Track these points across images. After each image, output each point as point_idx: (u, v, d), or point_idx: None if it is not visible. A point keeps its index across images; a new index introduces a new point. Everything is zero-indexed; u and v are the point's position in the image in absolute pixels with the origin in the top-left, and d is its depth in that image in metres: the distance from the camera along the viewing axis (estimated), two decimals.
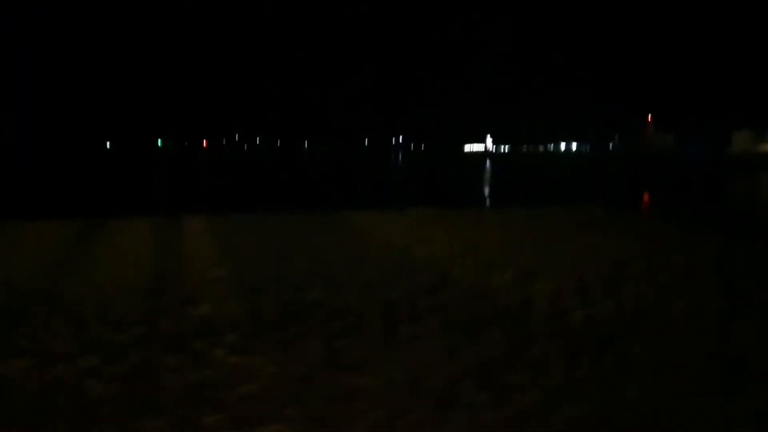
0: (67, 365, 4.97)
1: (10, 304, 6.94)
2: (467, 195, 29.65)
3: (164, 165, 64.96)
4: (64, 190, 29.86)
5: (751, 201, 27.64)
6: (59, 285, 8.00)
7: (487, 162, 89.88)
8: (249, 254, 10.40)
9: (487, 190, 34.79)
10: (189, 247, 11.36)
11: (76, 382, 4.60)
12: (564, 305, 7.16)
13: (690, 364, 5.19)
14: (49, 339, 5.69)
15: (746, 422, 4.12)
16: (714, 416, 4.20)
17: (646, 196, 27.82)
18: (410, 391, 4.46)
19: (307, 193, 29.23)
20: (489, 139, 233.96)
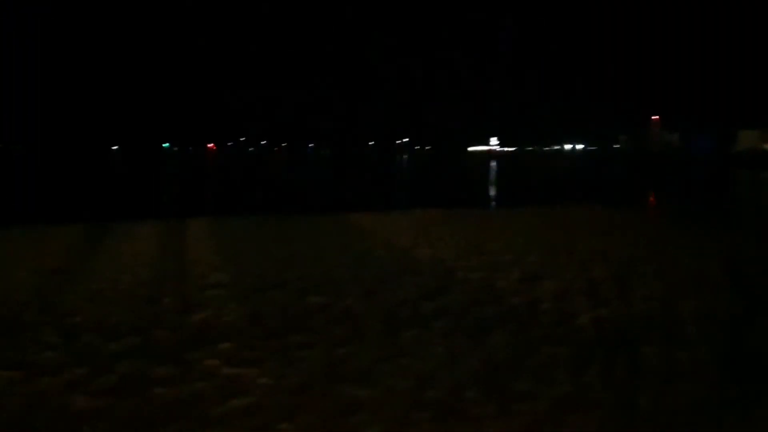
0: (53, 378, 4.75)
1: (3, 314, 6.74)
2: (472, 195, 29.37)
3: (169, 168, 64.81)
4: (66, 194, 29.71)
5: (758, 198, 27.31)
6: (54, 293, 7.79)
7: (492, 162, 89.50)
8: (251, 257, 10.19)
9: (492, 190, 34.52)
10: (191, 251, 11.16)
11: (61, 396, 4.39)
12: (571, 307, 6.92)
13: (704, 369, 4.96)
14: (38, 350, 5.48)
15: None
16: (731, 425, 3.96)
17: (651, 195, 27.53)
18: (412, 403, 4.23)
19: (311, 195, 29.01)
20: (494, 140, 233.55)
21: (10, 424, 3.97)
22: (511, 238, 12.33)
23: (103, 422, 3.96)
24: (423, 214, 17.14)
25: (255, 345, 5.55)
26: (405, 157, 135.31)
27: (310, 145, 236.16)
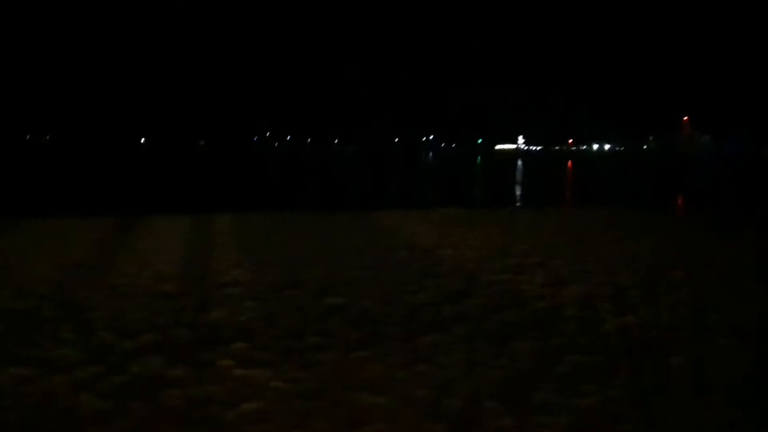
0: (63, 376, 4.68)
1: (20, 309, 6.71)
2: (497, 194, 29.11)
3: (198, 163, 65.20)
4: (91, 187, 29.96)
5: None
6: (74, 287, 7.77)
7: (519, 161, 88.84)
8: (271, 255, 10.11)
9: (518, 190, 34.19)
10: (210, 247, 11.10)
11: (69, 396, 4.31)
12: (597, 314, 6.73)
13: (736, 383, 4.75)
14: (52, 346, 5.42)
15: None
16: None
17: (680, 198, 27.06)
18: (429, 413, 4.08)
19: (335, 192, 28.93)
20: (521, 139, 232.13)
21: (14, 426, 3.89)
22: (536, 239, 12.12)
23: (109, 425, 3.86)
24: (446, 214, 16.96)
25: (270, 346, 5.44)
26: (430, 154, 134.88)
27: (335, 141, 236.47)
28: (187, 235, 12.70)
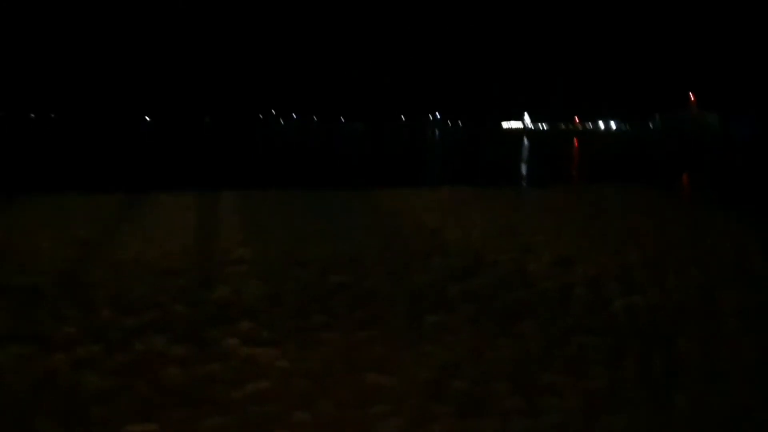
0: (65, 354, 4.63)
1: (23, 285, 6.66)
2: (504, 173, 28.94)
3: (204, 140, 64.97)
4: (95, 164, 29.88)
5: None
6: (77, 264, 7.72)
7: (525, 139, 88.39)
8: (276, 233, 10.04)
9: (524, 168, 34.00)
10: (215, 224, 11.05)
11: (71, 375, 4.26)
12: (604, 294, 6.65)
13: (746, 367, 4.67)
14: (54, 324, 5.37)
15: None
16: None
17: (685, 177, 26.83)
18: (435, 395, 4.01)
19: (341, 170, 28.80)
20: (527, 117, 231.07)
21: (16, 405, 3.84)
22: (543, 218, 12.02)
23: (112, 404, 3.81)
24: (453, 192, 16.84)
25: (274, 325, 5.38)
26: (436, 132, 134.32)
27: (341, 119, 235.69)
28: (191, 212, 12.62)
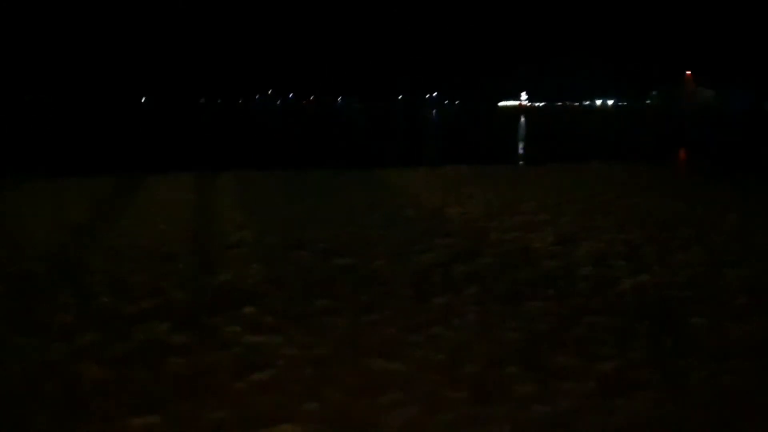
0: (64, 343, 4.51)
1: (19, 271, 6.54)
2: (503, 151, 28.75)
3: (198, 121, 64.50)
4: (93, 145, 29.62)
5: None
6: (73, 249, 7.59)
7: (521, 118, 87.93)
8: (276, 214, 9.91)
9: (522, 146, 33.81)
10: (214, 206, 10.92)
11: (70, 366, 4.13)
12: (611, 272, 6.55)
13: (758, 344, 4.57)
14: (52, 312, 5.24)
15: None
16: None
17: (682, 152, 26.70)
18: (447, 379, 3.90)
19: (341, 150, 28.58)
20: (524, 96, 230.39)
21: (15, 397, 3.73)
22: (544, 196, 11.90)
23: (113, 397, 3.69)
24: (452, 171, 16.71)
25: (278, 310, 5.26)
26: (434, 111, 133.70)
27: (339, 99, 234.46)
28: (189, 194, 12.48)
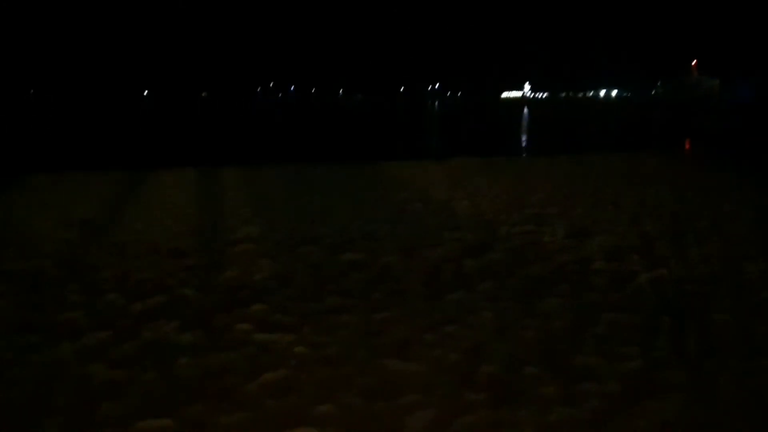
0: (72, 343, 4.40)
1: (25, 268, 6.43)
2: (509, 143, 28.60)
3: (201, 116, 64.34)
4: (98, 141, 29.51)
5: None
6: (80, 245, 7.49)
7: (525, 109, 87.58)
8: (283, 210, 9.79)
9: (527, 138, 33.61)
10: (221, 202, 10.80)
11: (78, 367, 4.03)
12: (627, 267, 6.41)
13: None
14: (59, 310, 5.14)
15: None
16: None
17: (687, 142, 26.49)
18: (465, 381, 3.78)
19: (344, 144, 28.42)
20: (527, 87, 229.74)
21: (22, 399, 3.62)
22: (553, 189, 11.77)
23: (121, 399, 3.59)
24: (459, 164, 16.57)
25: (288, 308, 5.15)
26: (436, 103, 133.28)
27: (340, 91, 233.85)
28: (195, 189, 12.38)
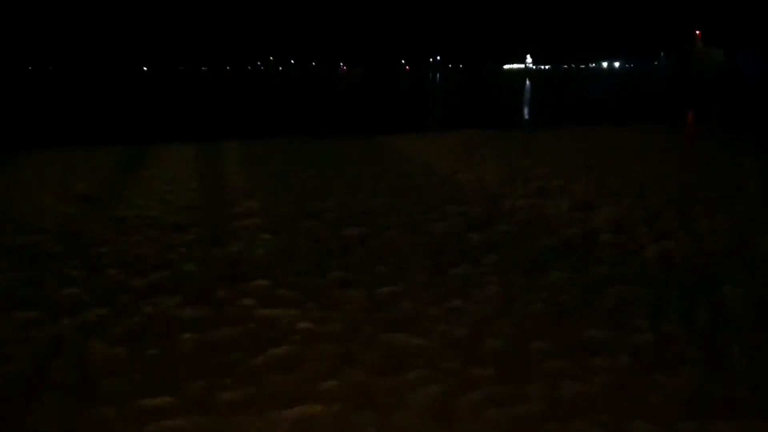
0: (72, 319, 4.33)
1: (23, 244, 6.36)
2: (511, 115, 28.36)
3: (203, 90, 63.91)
4: (98, 116, 29.31)
5: None
6: (80, 221, 7.41)
7: (527, 81, 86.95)
8: (284, 184, 9.69)
9: (529, 110, 33.36)
10: (221, 176, 10.71)
11: (78, 343, 3.96)
12: (633, 239, 6.33)
13: None
14: (59, 286, 5.08)
15: None
16: None
17: (690, 115, 26.23)
18: (472, 357, 3.71)
19: (344, 117, 28.20)
20: (529, 59, 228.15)
21: (20, 377, 3.56)
22: (557, 161, 11.64)
23: (123, 376, 3.52)
24: (461, 136, 16.42)
25: (291, 282, 5.07)
26: (438, 75, 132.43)
27: (341, 64, 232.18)
28: (195, 163, 12.27)
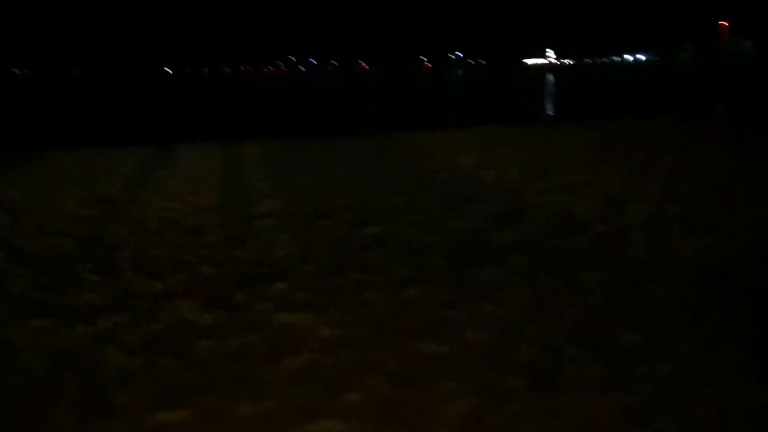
0: (87, 327, 4.20)
1: (42, 247, 6.27)
2: (533, 110, 27.98)
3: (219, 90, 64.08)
4: (116, 117, 29.39)
5: None
6: (98, 223, 7.32)
7: (550, 75, 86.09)
8: (304, 183, 9.55)
9: (553, 105, 32.95)
10: (240, 176, 10.62)
11: (93, 352, 3.83)
12: (667, 236, 6.08)
13: None
14: (76, 291, 4.96)
15: None
16: None
17: (718, 107, 25.67)
18: (502, 364, 3.51)
19: (363, 114, 28.01)
20: (551, 53, 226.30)
21: (31, 388, 3.42)
22: (582, 156, 11.40)
23: (137, 387, 3.37)
24: (483, 132, 16.18)
25: (310, 285, 4.91)
26: (459, 71, 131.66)
27: (359, 61, 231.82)
28: (213, 164, 12.17)
